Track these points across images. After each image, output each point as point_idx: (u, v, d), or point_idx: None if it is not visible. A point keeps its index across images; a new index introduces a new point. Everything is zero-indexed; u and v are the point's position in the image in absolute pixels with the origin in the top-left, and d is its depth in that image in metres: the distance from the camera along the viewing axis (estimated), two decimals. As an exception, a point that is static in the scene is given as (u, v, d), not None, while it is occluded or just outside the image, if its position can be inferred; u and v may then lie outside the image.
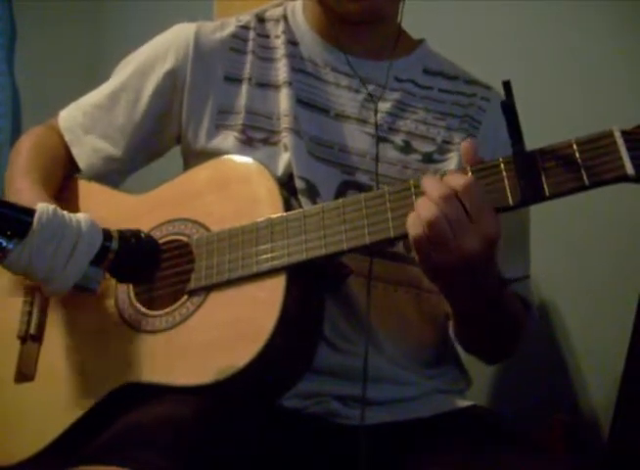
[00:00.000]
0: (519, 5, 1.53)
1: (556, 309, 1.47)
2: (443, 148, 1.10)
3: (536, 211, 1.08)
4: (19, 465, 0.98)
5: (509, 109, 0.81)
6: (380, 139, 1.09)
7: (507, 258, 1.01)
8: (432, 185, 0.83)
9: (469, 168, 0.86)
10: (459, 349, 1.14)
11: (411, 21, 1.17)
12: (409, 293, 1.06)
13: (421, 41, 1.19)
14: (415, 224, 0.83)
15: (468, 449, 0.93)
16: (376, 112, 1.08)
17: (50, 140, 1.17)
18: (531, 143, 0.84)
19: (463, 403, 1.06)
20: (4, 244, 0.82)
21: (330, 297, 0.99)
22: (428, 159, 1.10)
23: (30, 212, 0.84)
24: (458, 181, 0.82)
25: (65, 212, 0.86)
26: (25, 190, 1.03)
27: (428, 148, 1.10)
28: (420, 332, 1.08)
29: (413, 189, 0.88)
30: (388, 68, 1.12)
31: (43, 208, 0.84)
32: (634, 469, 1.20)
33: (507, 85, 0.81)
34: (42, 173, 1.08)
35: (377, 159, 1.06)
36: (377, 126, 1.08)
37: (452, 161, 1.10)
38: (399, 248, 1.04)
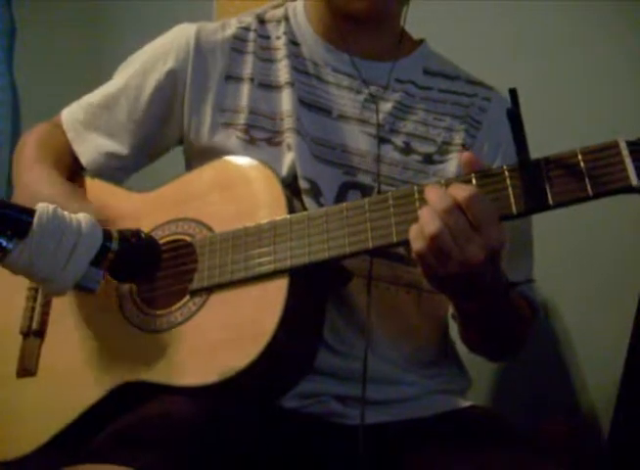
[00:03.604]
0: (520, 5, 1.53)
1: (556, 310, 1.47)
2: (443, 149, 1.11)
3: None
4: (18, 461, 0.98)
5: (515, 117, 0.80)
6: (381, 140, 1.09)
7: (512, 262, 1.01)
8: (435, 196, 0.82)
9: (473, 176, 0.85)
10: (459, 348, 1.14)
11: (411, 21, 1.17)
12: (410, 293, 1.06)
13: (421, 41, 1.20)
14: (418, 237, 0.82)
15: (467, 449, 0.93)
16: (377, 112, 1.09)
17: (54, 138, 1.17)
18: (531, 143, 0.84)
19: (463, 403, 1.06)
20: (4, 244, 0.82)
21: (329, 299, 0.99)
22: (428, 160, 1.10)
23: (30, 213, 0.84)
24: (462, 193, 0.81)
25: (65, 213, 0.87)
26: (35, 181, 1.03)
27: (428, 149, 1.10)
28: (420, 332, 1.09)
29: (417, 195, 0.87)
30: (390, 69, 1.12)
31: (43, 208, 0.85)
32: (634, 469, 1.20)
33: (513, 93, 0.79)
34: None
35: (378, 159, 1.06)
36: (379, 126, 1.08)
37: (452, 161, 1.10)
38: (400, 248, 1.04)
